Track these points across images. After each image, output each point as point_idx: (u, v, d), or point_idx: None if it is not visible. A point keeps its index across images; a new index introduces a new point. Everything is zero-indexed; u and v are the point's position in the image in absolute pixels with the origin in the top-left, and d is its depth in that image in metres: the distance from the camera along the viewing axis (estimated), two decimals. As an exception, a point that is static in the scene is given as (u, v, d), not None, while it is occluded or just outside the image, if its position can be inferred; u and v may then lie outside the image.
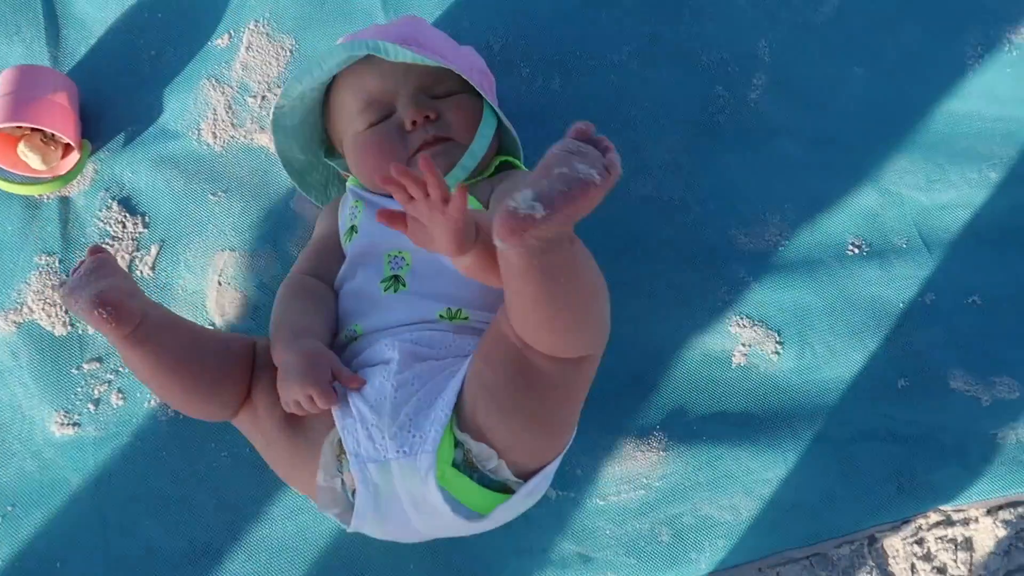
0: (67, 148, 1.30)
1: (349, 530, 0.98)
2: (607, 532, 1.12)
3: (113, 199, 1.29)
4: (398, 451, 0.92)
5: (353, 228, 1.10)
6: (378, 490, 0.93)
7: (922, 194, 1.24)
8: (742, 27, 1.32)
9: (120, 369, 1.22)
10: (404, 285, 1.03)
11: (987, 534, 1.11)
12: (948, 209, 1.24)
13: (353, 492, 0.95)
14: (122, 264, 1.26)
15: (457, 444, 0.93)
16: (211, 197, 1.28)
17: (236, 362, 1.01)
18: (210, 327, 1.22)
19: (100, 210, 1.29)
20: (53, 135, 1.28)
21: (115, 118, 1.33)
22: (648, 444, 1.15)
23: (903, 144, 1.27)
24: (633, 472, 1.14)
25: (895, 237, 1.23)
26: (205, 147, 1.30)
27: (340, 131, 1.14)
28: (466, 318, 1.01)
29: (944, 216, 1.23)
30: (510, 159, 1.14)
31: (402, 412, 0.92)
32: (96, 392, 1.22)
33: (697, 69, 1.31)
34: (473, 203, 1.07)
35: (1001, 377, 1.15)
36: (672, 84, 1.31)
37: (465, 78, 1.08)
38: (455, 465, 0.92)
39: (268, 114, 1.31)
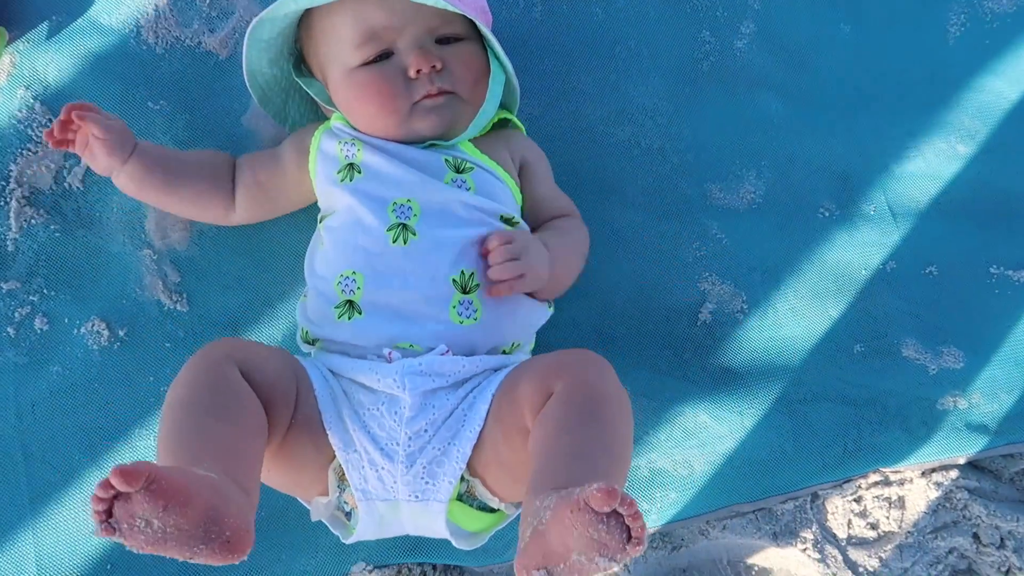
0: (-22, 34, 1.13)
1: (346, 542, 0.96)
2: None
3: (35, 99, 1.14)
4: (410, 496, 0.91)
5: (353, 166, 1.01)
6: (383, 519, 0.93)
7: (893, 162, 1.25)
8: (734, -31, 1.27)
9: (45, 291, 1.11)
10: (415, 234, 0.97)
11: (919, 494, 1.17)
12: (916, 179, 1.25)
13: (347, 504, 0.94)
14: (48, 176, 1.13)
15: (462, 479, 0.92)
16: (151, 106, 1.15)
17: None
18: (147, 250, 1.12)
19: (19, 110, 1.14)
20: (-38, 18, 1.11)
21: (36, 4, 1.16)
22: (611, 398, 1.14)
23: (879, 109, 1.26)
24: (593, 424, 1.14)
25: (864, 203, 1.23)
26: (144, 48, 1.16)
27: (323, 56, 1.03)
28: (478, 285, 0.96)
29: (911, 186, 1.24)
30: (506, 115, 1.09)
31: (416, 462, 0.90)
32: (17, 315, 1.11)
33: (685, 10, 1.25)
34: (480, 156, 1.03)
35: (949, 347, 1.19)
36: (658, 24, 1.25)
37: (482, 32, 1.01)
38: (459, 497, 0.92)
39: (218, 16, 1.18)
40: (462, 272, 0.96)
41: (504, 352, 0.99)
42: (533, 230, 1.05)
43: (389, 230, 0.97)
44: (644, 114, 1.22)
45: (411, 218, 0.97)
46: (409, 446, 0.90)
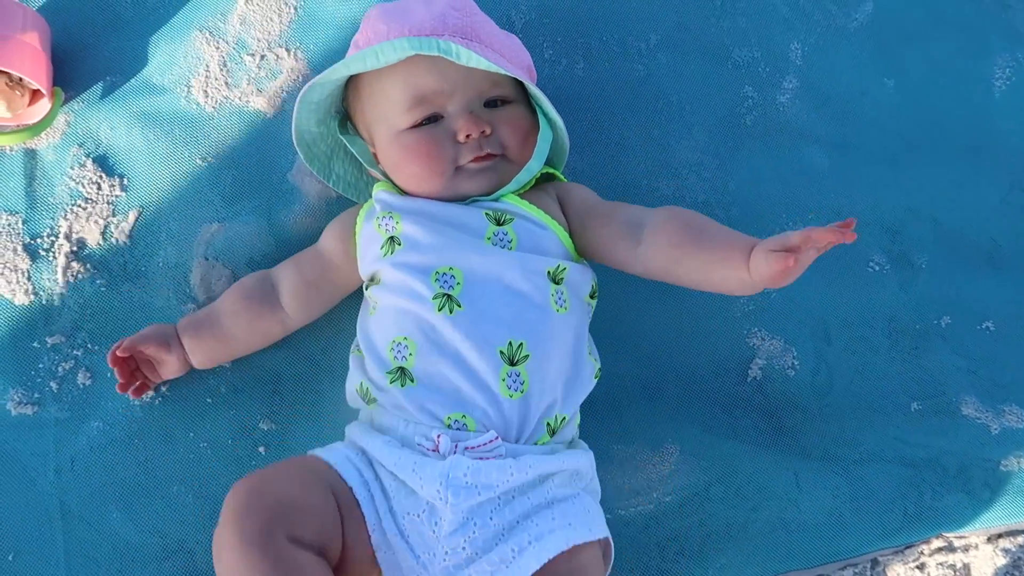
0: (35, 95, 1.16)
1: None
2: (614, 545, 1.08)
3: (87, 156, 1.16)
4: None
5: (394, 239, 1.01)
6: None
7: (942, 215, 1.23)
8: (775, 26, 1.28)
9: (88, 345, 1.11)
10: (460, 306, 0.95)
11: (986, 561, 1.12)
12: (966, 231, 1.23)
13: None
14: (95, 231, 1.14)
15: None
16: (199, 162, 1.17)
17: None
18: (191, 304, 1.12)
19: (72, 167, 1.16)
20: (21, 79, 1.14)
21: (92, 65, 1.19)
22: (660, 456, 1.11)
23: (926, 162, 1.25)
24: (643, 484, 1.10)
25: (915, 256, 1.21)
26: (195, 107, 1.18)
27: (370, 117, 1.05)
28: (527, 356, 0.95)
29: (961, 238, 1.23)
30: (551, 170, 1.09)
31: None
32: (60, 369, 1.10)
33: (727, 66, 1.26)
34: (521, 204, 1.02)
35: (1010, 406, 1.15)
36: (700, 80, 1.25)
37: (531, 91, 1.01)
38: None
39: (267, 75, 1.20)
40: (509, 343, 0.94)
41: (548, 425, 0.96)
42: (614, 236, 1.01)
43: (435, 298, 0.96)
44: (688, 168, 1.22)
45: (455, 287, 0.96)
46: (445, 560, 0.90)
